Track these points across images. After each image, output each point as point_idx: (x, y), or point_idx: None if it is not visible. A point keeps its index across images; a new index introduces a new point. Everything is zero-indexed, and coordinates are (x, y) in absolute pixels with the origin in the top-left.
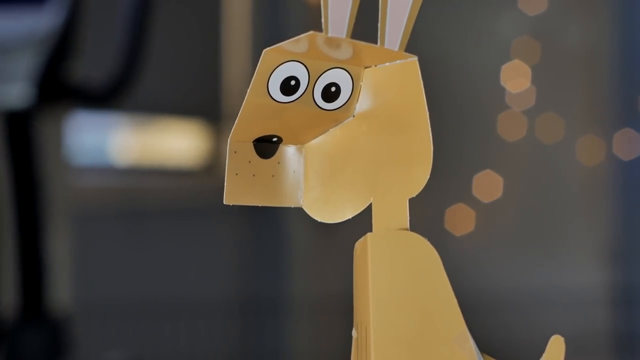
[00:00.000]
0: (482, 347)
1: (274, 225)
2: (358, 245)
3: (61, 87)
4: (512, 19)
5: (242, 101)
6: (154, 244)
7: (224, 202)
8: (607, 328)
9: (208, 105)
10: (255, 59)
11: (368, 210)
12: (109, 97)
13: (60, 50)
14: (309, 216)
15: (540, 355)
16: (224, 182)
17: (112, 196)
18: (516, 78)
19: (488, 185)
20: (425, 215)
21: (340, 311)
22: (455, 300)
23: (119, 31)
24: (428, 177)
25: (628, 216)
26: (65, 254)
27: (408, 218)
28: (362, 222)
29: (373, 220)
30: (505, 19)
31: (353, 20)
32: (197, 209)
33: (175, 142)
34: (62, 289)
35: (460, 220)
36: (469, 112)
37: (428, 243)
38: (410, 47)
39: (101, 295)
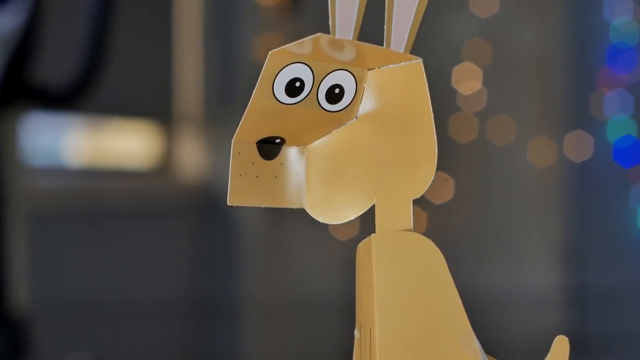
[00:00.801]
0: None
1: (227, 226)
2: (361, 246)
3: (22, 87)
4: (463, 21)
5: (195, 102)
6: (109, 245)
7: (228, 203)
8: (561, 329)
9: (160, 107)
10: (206, 61)
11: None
12: (70, 98)
13: (21, 51)
14: (260, 217)
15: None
16: (176, 183)
17: (67, 197)
18: (467, 80)
19: (439, 186)
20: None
21: (293, 312)
22: (459, 301)
23: (80, 33)
24: (432, 178)
25: (580, 217)
26: (22, 255)
27: (412, 219)
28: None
29: (376, 221)
30: (456, 21)
31: (360, 22)
32: (150, 210)
33: (128, 144)
34: (20, 290)
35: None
36: None
37: (432, 244)
38: None
39: (58, 296)
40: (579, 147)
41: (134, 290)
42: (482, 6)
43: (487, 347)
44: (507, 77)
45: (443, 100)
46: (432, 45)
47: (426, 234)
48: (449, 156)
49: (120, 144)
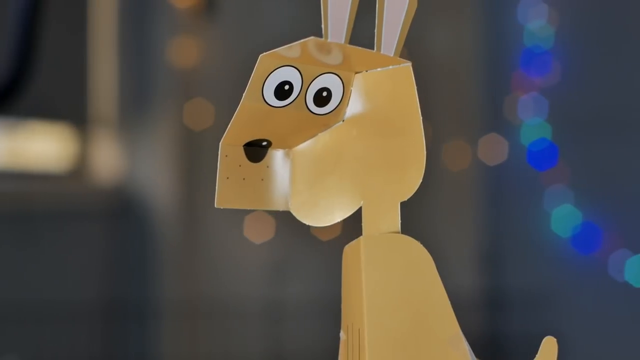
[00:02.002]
0: None
1: (142, 228)
2: (348, 248)
3: None
4: (374, 22)
5: (110, 105)
6: (24, 247)
7: (215, 206)
8: (480, 331)
9: (75, 110)
10: (121, 63)
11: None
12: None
13: None
14: (176, 219)
15: (533, 357)
16: (91, 186)
17: None
18: None
19: None
20: (293, 220)
21: (210, 314)
22: (448, 302)
23: (7, 35)
24: (420, 181)
25: (495, 220)
26: None
27: (399, 221)
28: (228, 227)
29: (363, 224)
30: (369, 24)
31: (351, 26)
32: (66, 213)
33: (43, 146)
34: None
35: (325, 227)
36: None
37: (421, 246)
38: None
39: None
40: (493, 150)
41: (49, 293)
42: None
43: None
44: (422, 81)
45: None
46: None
47: (341, 237)
48: None
49: (36, 146)
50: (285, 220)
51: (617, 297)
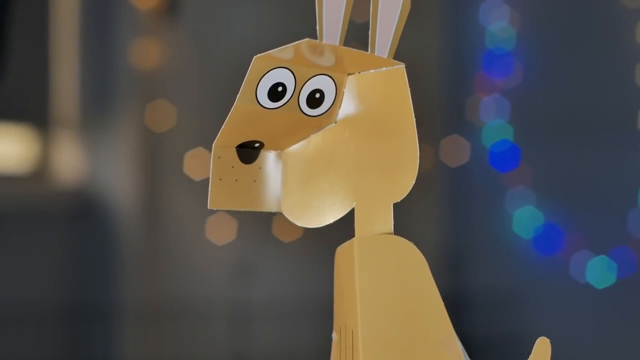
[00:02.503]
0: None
1: (104, 230)
2: (341, 249)
3: None
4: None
5: (71, 106)
6: None
7: (209, 207)
8: None
9: (37, 111)
10: (83, 64)
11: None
12: None
13: None
14: (138, 221)
15: (527, 357)
16: (52, 187)
17: None
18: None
19: None
20: (254, 221)
21: (170, 316)
22: (442, 303)
23: None
24: (413, 182)
25: (457, 222)
26: None
27: (392, 222)
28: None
29: (356, 225)
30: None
31: (346, 28)
32: (27, 214)
33: (4, 147)
34: None
35: (288, 225)
36: None
37: (415, 247)
38: (233, 55)
39: None
40: (455, 151)
41: (10, 295)
42: (359, 11)
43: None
44: None
45: None
46: None
47: (302, 238)
48: None
49: None
50: (246, 221)
51: (579, 298)
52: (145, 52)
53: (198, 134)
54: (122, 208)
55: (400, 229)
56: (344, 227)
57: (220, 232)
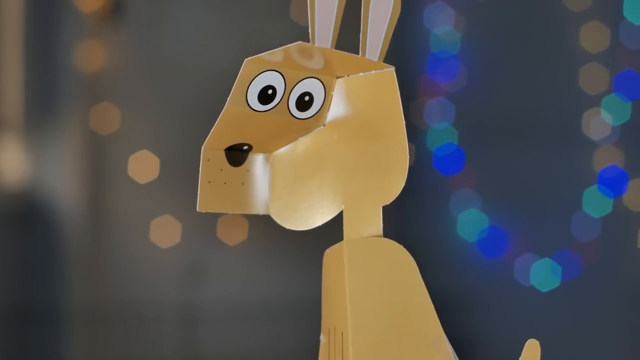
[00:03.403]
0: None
1: (48, 232)
2: (330, 252)
3: None
4: (284, 28)
5: (15, 108)
6: None
7: (197, 210)
8: None
9: None
10: (27, 67)
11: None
12: None
13: None
14: (81, 223)
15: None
16: None
17: None
18: None
19: None
20: (199, 224)
21: (116, 319)
22: (431, 305)
23: None
24: (403, 184)
25: (400, 225)
26: None
27: (382, 225)
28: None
29: (344, 227)
30: (276, 28)
31: (337, 31)
32: None
33: None
34: None
35: (233, 229)
36: None
37: (404, 250)
38: (188, 56)
39: None
40: None
41: None
42: (304, 14)
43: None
44: None
45: None
46: (252, 53)
47: (247, 241)
48: None
49: None
50: (190, 224)
51: (523, 301)
52: (89, 55)
53: (142, 136)
54: (67, 211)
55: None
56: (285, 232)
57: (165, 235)
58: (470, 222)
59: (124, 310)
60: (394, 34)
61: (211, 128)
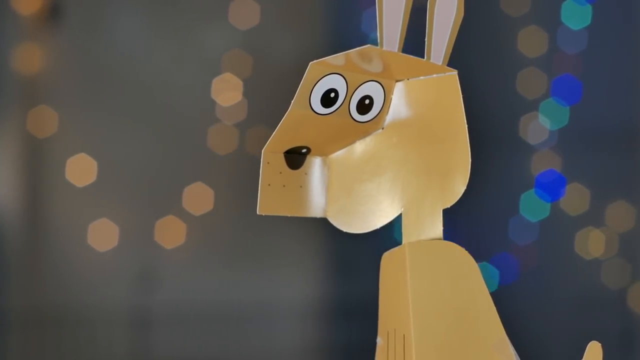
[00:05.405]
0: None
1: None
2: (388, 255)
3: None
4: (223, 33)
5: None
6: None
7: (258, 213)
8: (324, 339)
9: None
10: None
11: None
12: None
13: None
14: (18, 227)
15: None
16: None
17: None
18: (227, 92)
19: (199, 197)
20: (135, 227)
21: (54, 323)
22: (493, 307)
23: None
24: (464, 188)
25: (336, 229)
26: None
27: (441, 228)
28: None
29: (403, 230)
30: (215, 33)
31: (404, 35)
32: None
33: None
34: None
35: (170, 232)
36: (179, 125)
37: (466, 252)
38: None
39: None
40: None
41: None
42: (241, 18)
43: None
44: (268, 88)
45: (202, 112)
46: (190, 58)
47: (185, 244)
48: (208, 167)
49: None
50: (128, 228)
51: None
52: (26, 57)
53: (80, 140)
54: (4, 214)
55: (280, 233)
56: (226, 235)
57: (102, 239)
58: None
59: (61, 313)
60: (329, 39)
61: (149, 131)
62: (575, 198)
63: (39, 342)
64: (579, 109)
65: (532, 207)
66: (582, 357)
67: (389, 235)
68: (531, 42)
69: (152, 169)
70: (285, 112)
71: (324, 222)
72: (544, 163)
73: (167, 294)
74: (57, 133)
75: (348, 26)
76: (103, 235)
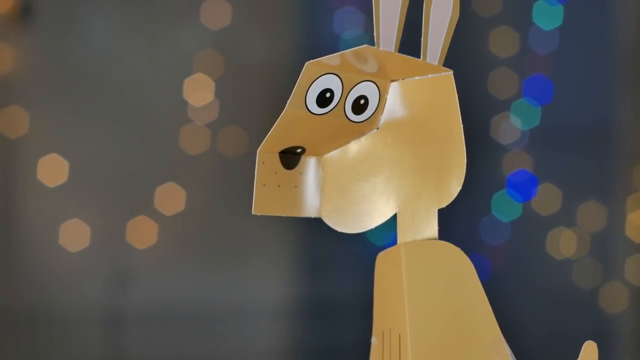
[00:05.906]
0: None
1: None
2: (384, 255)
3: None
4: (194, 33)
5: None
6: None
7: (253, 213)
8: (296, 339)
9: None
10: None
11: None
12: None
13: None
14: None
15: None
16: None
17: None
18: (199, 92)
19: (170, 197)
20: (107, 228)
21: (27, 323)
22: (489, 308)
23: None
24: (459, 188)
25: (311, 229)
26: None
27: (437, 228)
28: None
29: (398, 230)
30: (187, 33)
31: (400, 35)
32: None
33: None
34: None
35: (142, 232)
36: (151, 125)
37: (462, 252)
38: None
39: None
40: None
41: None
42: (213, 19)
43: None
44: (239, 89)
45: (174, 112)
46: (162, 58)
47: (156, 245)
48: (180, 168)
49: None
50: (99, 228)
51: None
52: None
53: (52, 140)
54: None
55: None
56: (198, 235)
57: (74, 239)
58: (379, 227)
59: (34, 314)
60: (301, 39)
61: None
62: (546, 198)
63: (13, 342)
64: (550, 109)
65: (504, 207)
66: (577, 357)
67: (361, 235)
68: (503, 42)
69: (123, 169)
70: (256, 113)
71: (297, 222)
72: (515, 163)
73: (140, 294)
74: (29, 133)
75: (319, 27)
76: (75, 235)
